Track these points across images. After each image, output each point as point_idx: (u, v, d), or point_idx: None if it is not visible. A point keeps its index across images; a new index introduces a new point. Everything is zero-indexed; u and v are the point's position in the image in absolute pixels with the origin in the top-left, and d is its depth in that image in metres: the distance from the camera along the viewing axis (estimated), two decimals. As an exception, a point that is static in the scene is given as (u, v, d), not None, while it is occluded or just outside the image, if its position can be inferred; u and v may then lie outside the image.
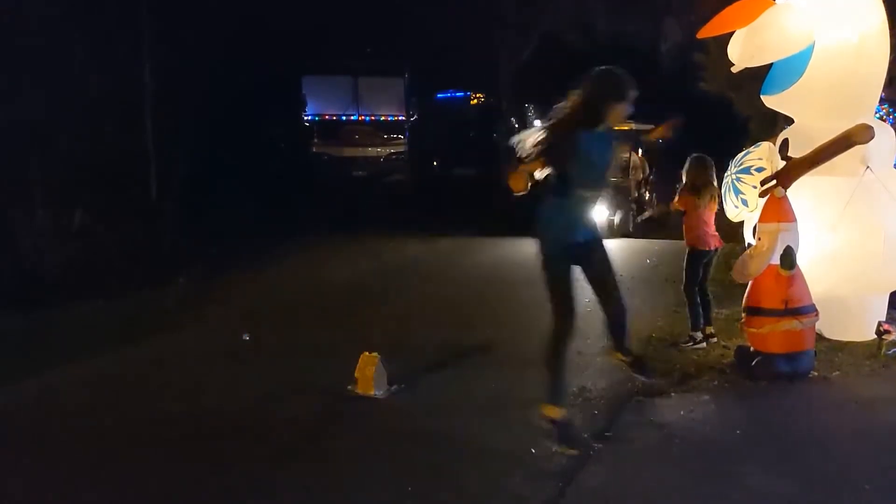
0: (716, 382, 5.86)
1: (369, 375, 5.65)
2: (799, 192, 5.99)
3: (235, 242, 13.17)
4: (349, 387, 5.70)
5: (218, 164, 16.31)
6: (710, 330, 6.81)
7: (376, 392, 5.64)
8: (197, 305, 9.10)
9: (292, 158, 20.82)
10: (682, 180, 6.81)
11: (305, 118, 23.18)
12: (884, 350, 6.30)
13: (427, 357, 6.59)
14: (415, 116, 25.21)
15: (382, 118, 23.55)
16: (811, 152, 6.06)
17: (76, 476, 4.46)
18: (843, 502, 3.86)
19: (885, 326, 6.49)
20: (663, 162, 17.02)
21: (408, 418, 5.28)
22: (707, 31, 6.64)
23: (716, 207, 6.78)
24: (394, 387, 5.76)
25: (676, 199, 6.85)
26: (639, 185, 16.04)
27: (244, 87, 17.56)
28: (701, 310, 6.77)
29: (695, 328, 6.78)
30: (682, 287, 6.88)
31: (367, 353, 5.76)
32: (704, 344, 6.70)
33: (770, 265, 5.80)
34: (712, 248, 6.71)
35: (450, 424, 5.13)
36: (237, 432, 5.06)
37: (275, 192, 17.04)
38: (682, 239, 6.91)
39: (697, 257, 6.73)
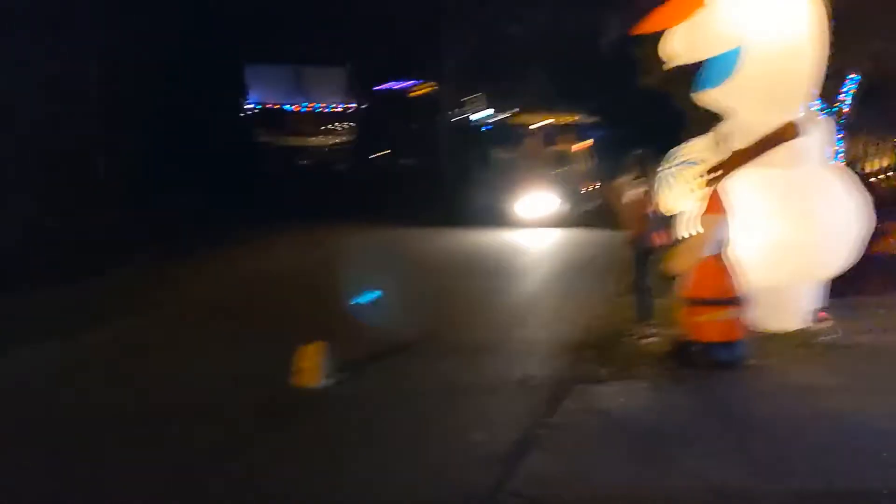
0: (655, 370, 5.98)
1: (313, 366, 5.61)
2: (735, 185, 6.14)
3: (177, 232, 12.93)
4: (292, 377, 5.65)
5: (158, 153, 15.98)
6: (647, 330, 6.77)
7: (320, 382, 5.60)
8: (138, 296, 8.92)
9: (234, 147, 20.48)
10: (625, 176, 6.88)
11: (247, 106, 22.82)
12: (818, 338, 6.51)
13: (371, 346, 6.56)
14: (359, 106, 25.04)
15: (326, 107, 23.34)
16: (747, 147, 6.23)
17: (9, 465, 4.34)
18: (779, 485, 3.98)
19: (820, 315, 6.71)
20: (607, 154, 17.29)
21: (351, 408, 5.27)
22: (642, 28, 6.76)
23: (656, 201, 6.83)
24: (338, 377, 5.73)
25: (632, 198, 6.85)
26: (582, 176, 16.24)
27: (185, 74, 17.22)
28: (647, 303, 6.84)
29: (644, 319, 6.80)
30: (634, 284, 6.91)
31: (310, 344, 5.71)
32: (655, 339, 6.61)
33: (706, 256, 5.94)
34: (657, 243, 6.78)
35: (393, 413, 5.14)
36: (176, 426, 4.96)
37: (216, 182, 16.75)
38: (623, 230, 6.99)
39: (644, 250, 6.81)
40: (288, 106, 22.91)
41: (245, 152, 21.53)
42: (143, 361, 6.39)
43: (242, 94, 22.56)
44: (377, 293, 7.77)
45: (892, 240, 7.93)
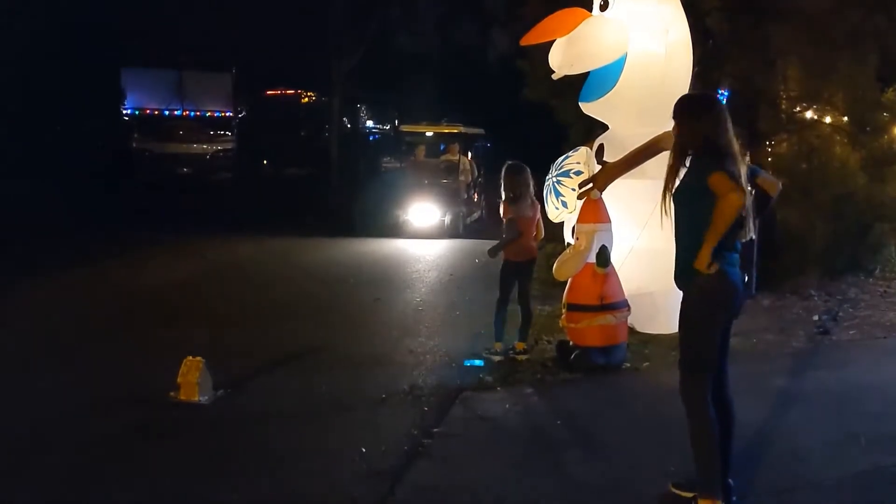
0: (539, 376, 6.13)
1: (193, 381, 5.42)
2: (613, 195, 6.34)
3: (49, 241, 12.27)
4: (172, 393, 5.44)
5: (27, 158, 15.17)
6: (522, 346, 6.61)
7: (201, 398, 5.42)
8: (7, 306, 8.41)
9: (109, 153, 19.66)
10: (504, 191, 6.64)
11: (124, 112, 21.95)
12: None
13: (255, 360, 6.42)
14: (243, 113, 24.53)
15: (209, 114, 22.73)
16: (624, 157, 6.43)
17: None
18: (654, 486, 4.13)
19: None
20: (491, 165, 17.60)
21: (234, 424, 5.12)
22: (528, 39, 6.88)
23: (537, 215, 6.73)
24: (219, 392, 5.57)
25: (502, 210, 6.67)
26: (468, 186, 16.45)
27: (56, 76, 16.41)
28: (521, 323, 6.66)
29: (498, 339, 6.60)
30: (518, 300, 6.69)
31: (190, 358, 5.52)
32: (527, 356, 6.51)
33: (587, 264, 6.12)
34: (526, 258, 6.67)
35: (278, 428, 5.03)
36: (48, 445, 4.70)
37: (90, 188, 16.02)
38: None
39: (514, 267, 6.65)
40: (167, 111, 22.19)
41: (120, 159, 20.70)
42: (17, 376, 5.99)
43: (120, 99, 21.70)
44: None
45: None
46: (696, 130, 3.79)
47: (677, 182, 3.87)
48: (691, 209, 3.74)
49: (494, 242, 6.87)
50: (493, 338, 6.65)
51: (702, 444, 3.72)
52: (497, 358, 6.50)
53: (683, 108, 3.94)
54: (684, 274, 3.80)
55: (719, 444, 3.75)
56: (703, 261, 3.63)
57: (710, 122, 3.79)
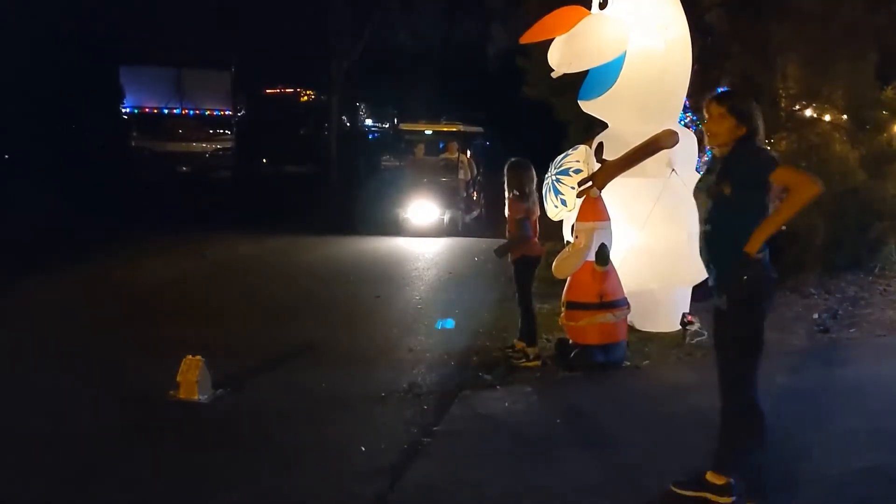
0: (538, 374, 6.12)
1: (192, 379, 5.42)
2: (612, 193, 6.35)
3: (48, 240, 12.26)
4: (171, 392, 5.44)
5: (26, 156, 15.16)
6: (521, 345, 6.46)
7: (200, 396, 5.42)
8: (7, 305, 8.42)
9: (108, 152, 19.64)
10: (510, 188, 6.48)
11: (123, 110, 21.92)
12: (688, 339, 6.84)
13: (254, 358, 6.42)
14: (243, 111, 24.52)
15: (208, 112, 22.70)
16: (623, 155, 6.44)
17: None
18: (654, 483, 4.13)
19: (689, 318, 7.05)
20: (490, 163, 17.61)
21: (233, 422, 5.11)
22: (528, 38, 6.87)
23: (538, 211, 6.64)
24: (219, 390, 5.56)
25: (511, 209, 6.47)
26: (467, 185, 16.44)
27: (55, 75, 16.39)
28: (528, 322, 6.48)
29: (531, 342, 6.42)
30: (519, 300, 6.52)
31: (189, 357, 5.52)
32: (539, 363, 6.33)
33: (586, 262, 6.12)
34: (541, 253, 6.54)
35: (278, 426, 5.03)
36: (48, 444, 4.69)
37: (90, 187, 16.01)
38: (506, 237, 6.80)
39: (530, 265, 6.50)
40: (166, 110, 22.16)
41: (119, 158, 20.68)
42: (17, 375, 5.99)
43: (118, 97, 21.67)
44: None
45: None
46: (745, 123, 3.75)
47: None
48: (741, 202, 3.67)
49: (493, 240, 6.85)
50: (526, 343, 6.40)
51: (740, 435, 3.70)
52: (535, 363, 6.29)
53: (735, 101, 3.86)
54: (725, 268, 3.71)
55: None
56: (756, 245, 3.57)
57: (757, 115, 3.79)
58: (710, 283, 3.86)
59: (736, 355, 3.74)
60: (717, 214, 3.77)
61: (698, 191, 3.81)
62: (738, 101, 3.83)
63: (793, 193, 3.57)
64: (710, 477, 3.81)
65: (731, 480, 3.81)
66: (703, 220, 3.86)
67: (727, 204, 3.69)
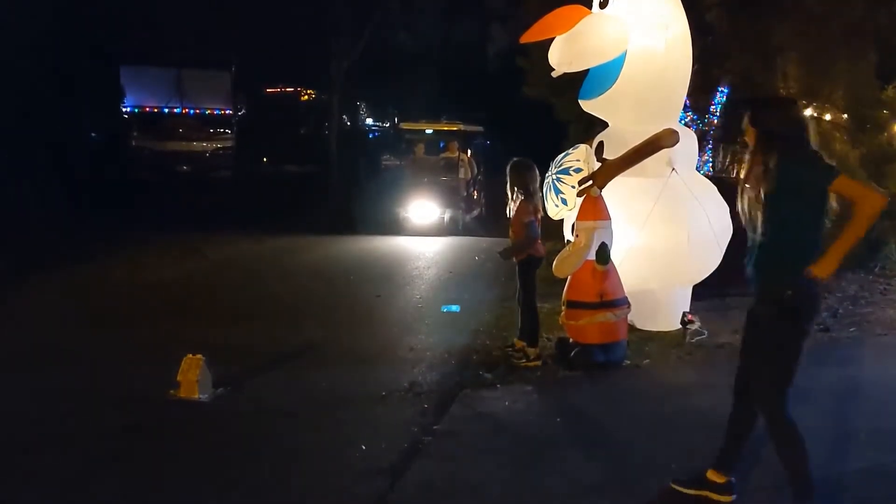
0: (538, 373, 6.12)
1: (193, 379, 5.42)
2: (613, 192, 6.36)
3: (48, 239, 12.26)
4: (172, 391, 5.44)
5: (27, 156, 15.16)
6: (521, 344, 6.44)
7: (201, 396, 5.42)
8: (8, 305, 8.43)
9: (109, 152, 19.64)
10: (514, 188, 6.42)
11: (124, 110, 21.93)
12: (688, 339, 6.84)
13: (255, 357, 6.42)
14: (243, 111, 24.52)
15: (208, 112, 22.69)
16: (623, 154, 6.45)
17: None
18: (655, 483, 4.13)
19: (689, 317, 7.05)
20: (490, 162, 17.62)
21: (233, 421, 5.12)
22: (528, 37, 6.87)
23: (542, 211, 6.63)
24: (219, 389, 5.57)
25: (515, 208, 6.41)
26: (468, 184, 16.44)
27: (55, 74, 16.38)
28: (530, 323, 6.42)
29: (533, 343, 6.40)
30: (522, 300, 6.47)
31: (190, 356, 5.52)
32: (540, 363, 6.29)
33: (587, 261, 6.11)
34: (544, 253, 6.48)
35: (278, 426, 5.03)
36: (48, 444, 4.69)
37: (90, 187, 16.01)
38: (507, 236, 6.69)
39: (534, 265, 6.45)
40: (167, 109, 22.16)
41: (120, 157, 20.68)
42: (18, 374, 5.98)
43: (118, 96, 21.68)
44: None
45: None
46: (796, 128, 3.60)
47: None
48: (796, 213, 3.52)
49: (493, 240, 6.86)
50: (528, 343, 6.38)
51: (787, 450, 3.62)
52: (535, 363, 6.27)
53: (790, 108, 3.76)
54: (776, 280, 3.55)
55: (747, 436, 3.74)
56: (830, 269, 3.44)
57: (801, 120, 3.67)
58: (751, 289, 3.70)
59: (761, 364, 3.65)
60: (772, 225, 3.55)
61: (753, 200, 3.57)
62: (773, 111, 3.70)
63: (858, 209, 3.42)
64: (711, 475, 3.82)
65: (732, 479, 3.81)
66: (754, 229, 3.62)
67: (783, 214, 3.52)
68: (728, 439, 3.84)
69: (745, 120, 3.71)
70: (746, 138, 3.72)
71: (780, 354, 3.58)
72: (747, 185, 3.60)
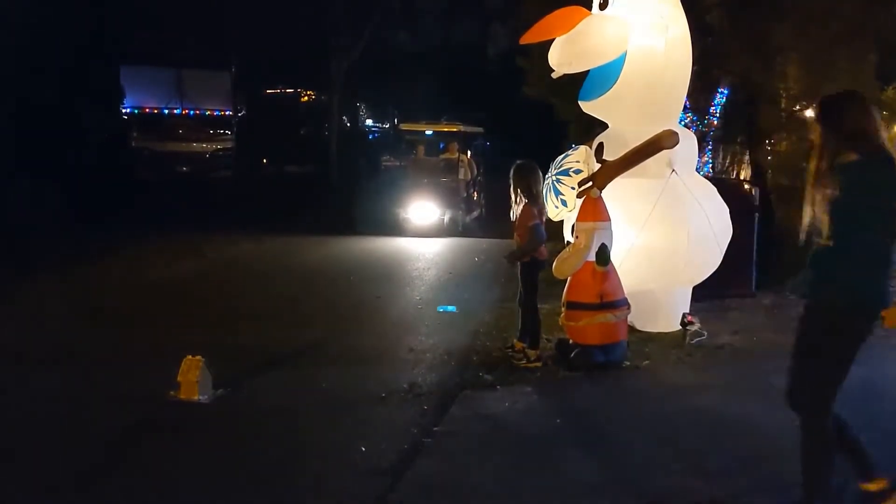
0: (538, 374, 6.12)
1: (193, 379, 5.42)
2: (613, 193, 6.36)
3: (46, 239, 12.25)
4: (172, 392, 5.44)
5: (25, 156, 15.15)
6: (521, 345, 6.42)
7: (201, 397, 5.42)
8: (8, 305, 8.43)
9: (108, 152, 19.63)
10: (518, 191, 6.37)
11: (123, 110, 21.94)
12: (688, 339, 6.84)
13: (255, 358, 6.42)
14: (243, 112, 24.53)
15: (208, 112, 22.72)
16: (623, 155, 6.45)
17: None
18: (655, 483, 4.13)
19: (689, 318, 7.05)
20: (490, 163, 17.62)
21: (234, 423, 5.12)
22: (528, 38, 6.86)
23: (540, 213, 6.52)
24: (219, 390, 5.56)
25: (519, 211, 6.36)
26: (467, 185, 16.44)
27: (55, 75, 16.38)
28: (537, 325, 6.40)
29: (534, 345, 6.39)
30: (523, 301, 6.43)
31: (190, 357, 5.52)
32: (540, 364, 6.28)
33: (586, 262, 6.11)
34: (546, 256, 6.42)
35: (278, 426, 5.03)
36: (47, 444, 4.70)
37: (90, 187, 16.01)
38: (507, 237, 6.75)
39: (538, 267, 6.40)
40: (166, 110, 22.18)
41: (119, 158, 20.67)
42: (16, 375, 5.97)
43: (118, 97, 21.69)
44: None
45: None
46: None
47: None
48: (863, 217, 3.37)
49: (493, 241, 6.85)
50: (528, 344, 6.35)
51: (818, 459, 3.55)
52: (535, 364, 6.25)
53: (860, 104, 3.63)
54: (841, 286, 3.42)
55: (854, 436, 3.62)
56: None
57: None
58: (805, 291, 3.58)
59: (812, 368, 3.55)
60: (840, 230, 3.39)
61: (820, 202, 3.43)
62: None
63: None
64: (868, 487, 3.60)
65: (885, 477, 3.64)
66: (820, 233, 3.46)
67: (852, 217, 3.37)
68: (847, 454, 3.67)
69: (813, 117, 3.54)
70: (813, 137, 3.58)
71: (833, 360, 3.49)
72: (816, 187, 3.45)
